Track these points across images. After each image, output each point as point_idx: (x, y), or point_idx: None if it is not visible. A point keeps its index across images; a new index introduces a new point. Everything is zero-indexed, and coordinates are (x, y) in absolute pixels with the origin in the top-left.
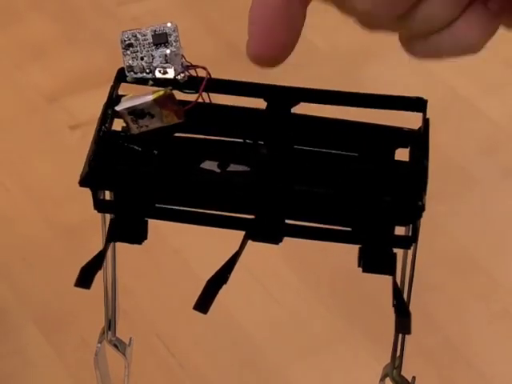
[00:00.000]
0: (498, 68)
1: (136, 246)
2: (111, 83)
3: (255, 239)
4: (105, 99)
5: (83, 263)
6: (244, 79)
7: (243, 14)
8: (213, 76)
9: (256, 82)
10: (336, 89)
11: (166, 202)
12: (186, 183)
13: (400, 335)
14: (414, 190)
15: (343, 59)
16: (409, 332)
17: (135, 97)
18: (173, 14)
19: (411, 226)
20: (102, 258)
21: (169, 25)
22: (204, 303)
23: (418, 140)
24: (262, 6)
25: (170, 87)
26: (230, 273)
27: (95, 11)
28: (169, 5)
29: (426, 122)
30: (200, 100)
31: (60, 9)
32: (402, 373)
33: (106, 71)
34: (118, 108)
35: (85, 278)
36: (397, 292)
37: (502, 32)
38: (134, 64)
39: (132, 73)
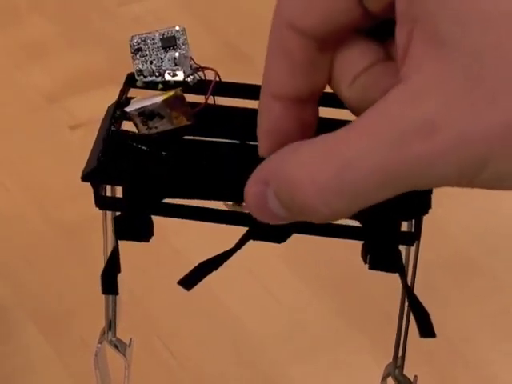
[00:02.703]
0: None
1: (137, 246)
2: (112, 83)
3: (258, 238)
4: (105, 99)
5: (83, 263)
6: (244, 79)
7: (243, 15)
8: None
9: (259, 83)
10: None
11: (172, 198)
12: (192, 181)
13: (402, 335)
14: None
15: None
16: (433, 336)
17: (145, 98)
18: (173, 14)
19: (414, 222)
20: (117, 258)
21: (177, 28)
22: (189, 281)
23: None
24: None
25: (180, 88)
26: (222, 263)
27: (95, 11)
28: (169, 5)
29: None
30: (209, 102)
31: (60, 9)
32: (404, 372)
33: (107, 71)
34: (127, 109)
35: (109, 285)
36: (411, 294)
37: None
38: (144, 68)
39: (142, 77)
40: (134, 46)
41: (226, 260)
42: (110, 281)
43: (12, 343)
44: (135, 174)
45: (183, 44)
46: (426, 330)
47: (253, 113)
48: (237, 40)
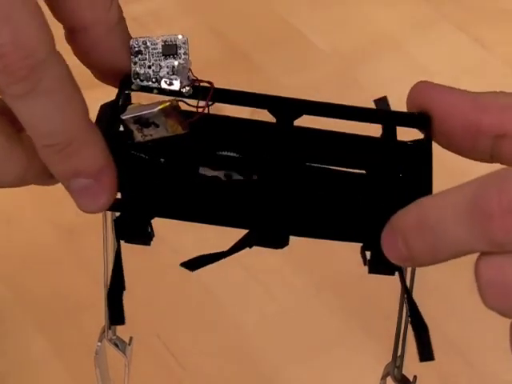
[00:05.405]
0: (498, 68)
1: (136, 246)
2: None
3: (258, 244)
4: (105, 99)
5: (83, 263)
6: (244, 80)
7: (244, 15)
8: (214, 77)
9: (257, 88)
10: (336, 89)
11: (171, 206)
12: (191, 190)
13: (401, 334)
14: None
15: (343, 59)
16: (432, 359)
17: (141, 106)
18: (173, 15)
19: None
20: (121, 275)
21: (180, 37)
22: (193, 264)
23: (422, 154)
24: None
25: (176, 98)
26: (218, 259)
27: None
28: (169, 5)
29: (428, 138)
30: (205, 112)
31: None
32: (403, 372)
33: None
34: (123, 116)
35: (116, 312)
36: (413, 307)
37: (501, 33)
38: (141, 72)
39: (138, 80)
40: (134, 47)
41: (222, 258)
42: (117, 306)
43: (11, 343)
44: (134, 184)
45: (184, 54)
46: (425, 352)
47: (247, 123)
48: (238, 41)
